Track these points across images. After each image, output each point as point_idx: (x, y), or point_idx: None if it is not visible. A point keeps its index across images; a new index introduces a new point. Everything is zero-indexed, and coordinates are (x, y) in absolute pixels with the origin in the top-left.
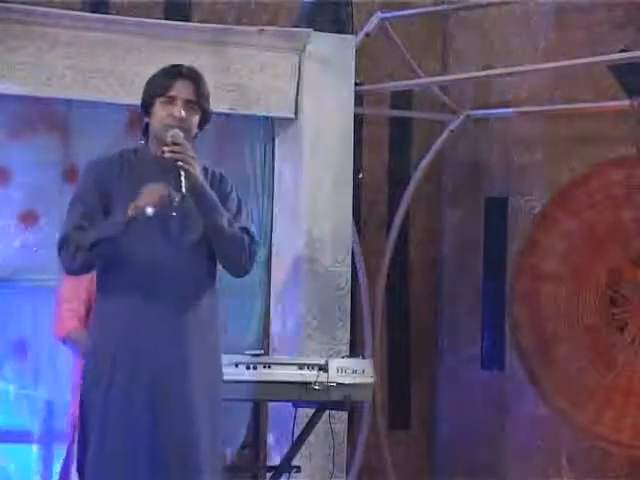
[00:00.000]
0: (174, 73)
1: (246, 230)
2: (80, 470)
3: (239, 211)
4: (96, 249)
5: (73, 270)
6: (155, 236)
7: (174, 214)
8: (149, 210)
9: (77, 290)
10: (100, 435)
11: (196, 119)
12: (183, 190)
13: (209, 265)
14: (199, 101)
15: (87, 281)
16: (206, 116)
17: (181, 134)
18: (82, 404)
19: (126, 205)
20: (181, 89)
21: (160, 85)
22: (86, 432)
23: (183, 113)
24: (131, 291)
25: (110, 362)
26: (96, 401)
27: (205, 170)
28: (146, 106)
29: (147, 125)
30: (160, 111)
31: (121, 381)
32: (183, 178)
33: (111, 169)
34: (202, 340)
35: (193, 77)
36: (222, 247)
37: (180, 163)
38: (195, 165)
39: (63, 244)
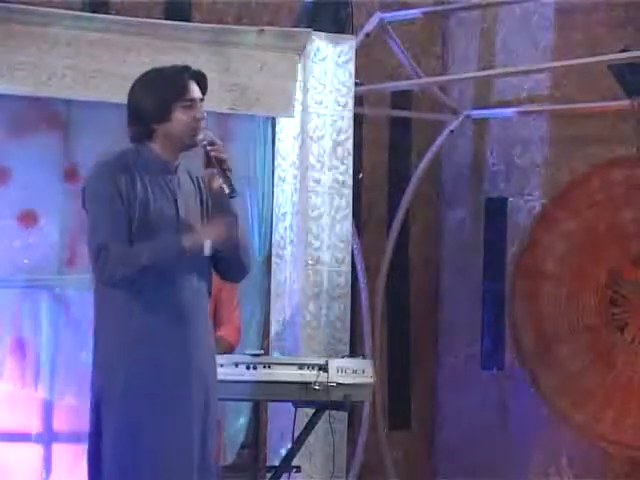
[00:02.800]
0: (186, 75)
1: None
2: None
3: None
4: (149, 271)
5: (109, 282)
6: None
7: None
8: (208, 249)
9: None
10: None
11: None
12: (232, 189)
13: (209, 272)
14: (204, 98)
15: None
16: None
17: (210, 133)
18: (99, 408)
19: (143, 210)
20: (195, 90)
21: (176, 89)
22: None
23: (204, 114)
24: (160, 304)
25: (149, 373)
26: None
27: (196, 177)
28: (160, 113)
29: (153, 131)
30: (182, 116)
31: (156, 392)
32: (231, 176)
33: (123, 170)
34: (209, 345)
35: (197, 76)
36: (235, 253)
37: (226, 163)
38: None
39: (101, 252)
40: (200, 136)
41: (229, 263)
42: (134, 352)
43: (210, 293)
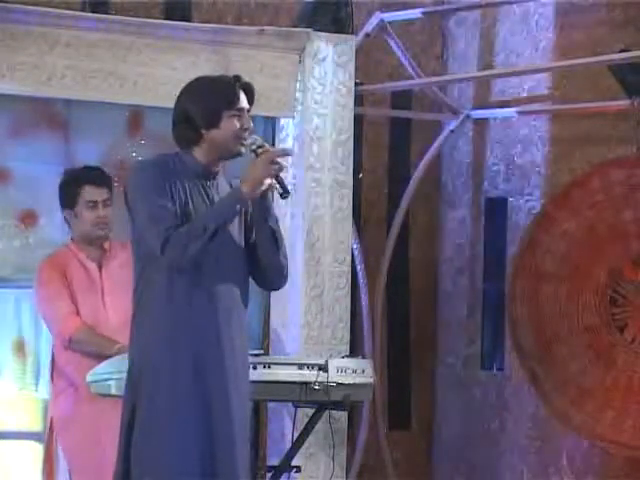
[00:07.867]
0: (236, 85)
1: None
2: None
3: None
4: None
5: (182, 266)
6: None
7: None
8: (268, 181)
9: (64, 287)
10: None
11: None
12: (284, 189)
13: (247, 272)
14: (250, 109)
15: (62, 277)
16: None
17: (259, 138)
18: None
19: (182, 211)
20: (243, 100)
21: (227, 98)
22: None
23: (251, 123)
24: (202, 290)
25: (191, 362)
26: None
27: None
28: (210, 118)
29: (200, 136)
30: (231, 124)
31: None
32: (282, 178)
33: (165, 170)
34: (244, 344)
35: (246, 87)
36: (277, 254)
37: (279, 164)
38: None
39: (166, 246)
40: (249, 141)
41: (272, 262)
42: (172, 337)
43: (246, 304)
